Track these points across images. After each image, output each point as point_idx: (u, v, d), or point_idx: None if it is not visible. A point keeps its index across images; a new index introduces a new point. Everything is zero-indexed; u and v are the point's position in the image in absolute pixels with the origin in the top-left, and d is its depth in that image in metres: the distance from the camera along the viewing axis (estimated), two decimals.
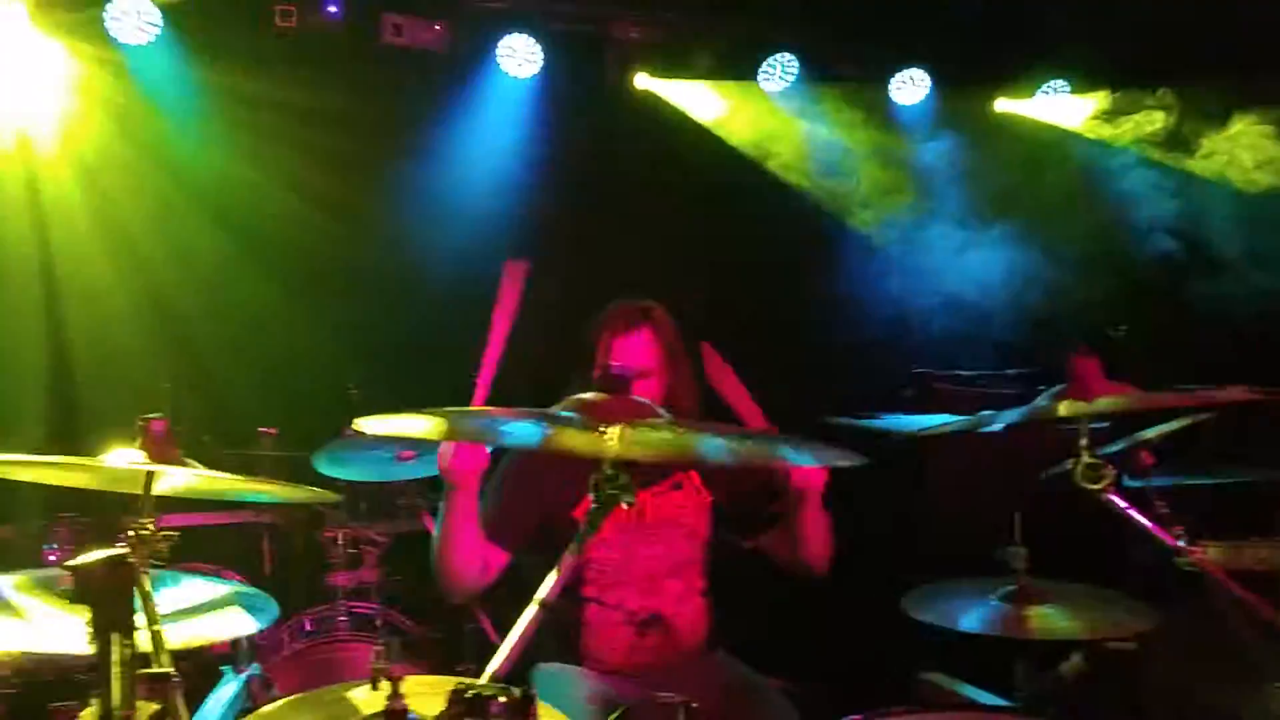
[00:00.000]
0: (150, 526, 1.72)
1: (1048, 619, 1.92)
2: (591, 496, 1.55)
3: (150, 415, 1.76)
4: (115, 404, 3.51)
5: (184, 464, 1.76)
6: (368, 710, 1.65)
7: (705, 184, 4.39)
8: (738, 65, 4.36)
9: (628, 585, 2.50)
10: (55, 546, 3.33)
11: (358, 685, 1.75)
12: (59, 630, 2.00)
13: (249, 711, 2.54)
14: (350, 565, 3.41)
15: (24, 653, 2.10)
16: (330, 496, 1.86)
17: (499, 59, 4.20)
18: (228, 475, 1.80)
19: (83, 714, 1.35)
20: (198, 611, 2.04)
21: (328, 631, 3.27)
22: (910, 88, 4.52)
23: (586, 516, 1.56)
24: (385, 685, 1.65)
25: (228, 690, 2.58)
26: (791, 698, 2.42)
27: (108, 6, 3.83)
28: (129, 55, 3.91)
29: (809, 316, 4.42)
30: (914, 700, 2.34)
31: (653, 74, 4.37)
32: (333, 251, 4.00)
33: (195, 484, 1.81)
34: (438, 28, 4.14)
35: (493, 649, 1.48)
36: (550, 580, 1.46)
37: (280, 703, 1.69)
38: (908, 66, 4.48)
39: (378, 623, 3.36)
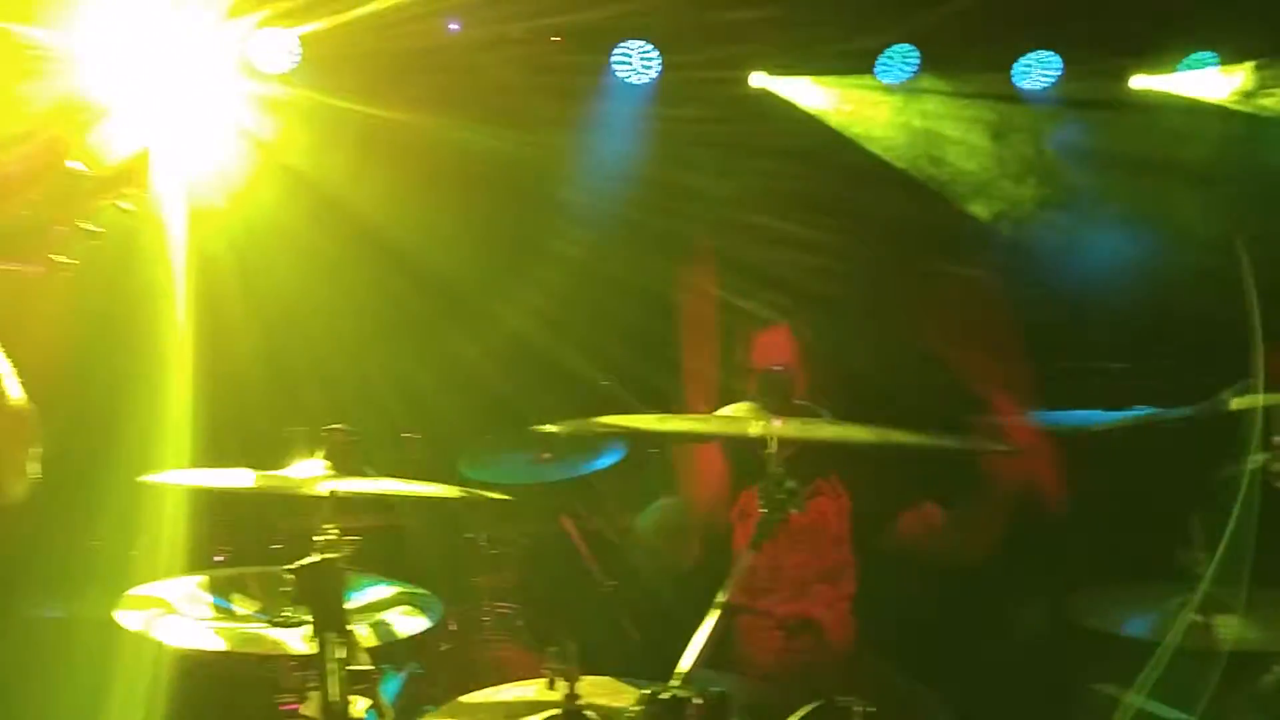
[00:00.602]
0: (336, 531, 1.82)
1: (1238, 628, 1.82)
2: (760, 504, 1.56)
3: (333, 426, 1.86)
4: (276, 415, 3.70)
5: (365, 473, 1.86)
6: (546, 709, 1.71)
7: (825, 182, 4.34)
8: (855, 59, 4.30)
9: (775, 592, 2.52)
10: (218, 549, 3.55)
11: (532, 683, 1.81)
12: (247, 628, 2.14)
13: (411, 709, 2.66)
14: (492, 566, 3.50)
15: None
16: (494, 495, 1.92)
17: (614, 66, 4.26)
18: (408, 482, 1.88)
19: (303, 707, 1.45)
20: (375, 610, 2.16)
21: (472, 631, 3.37)
22: (1038, 71, 4.36)
23: (758, 525, 1.57)
24: (562, 684, 1.70)
25: (389, 688, 2.69)
26: (946, 705, 2.38)
27: (252, 37, 4.05)
28: (271, 84, 4.12)
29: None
30: (1085, 713, 2.25)
31: (771, 72, 4.35)
32: (476, 261, 4.12)
33: (374, 490, 1.91)
34: (556, 40, 4.23)
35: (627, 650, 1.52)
36: (729, 583, 1.49)
37: (462, 699, 1.77)
38: (1035, 50, 4.32)
39: (519, 623, 3.45)
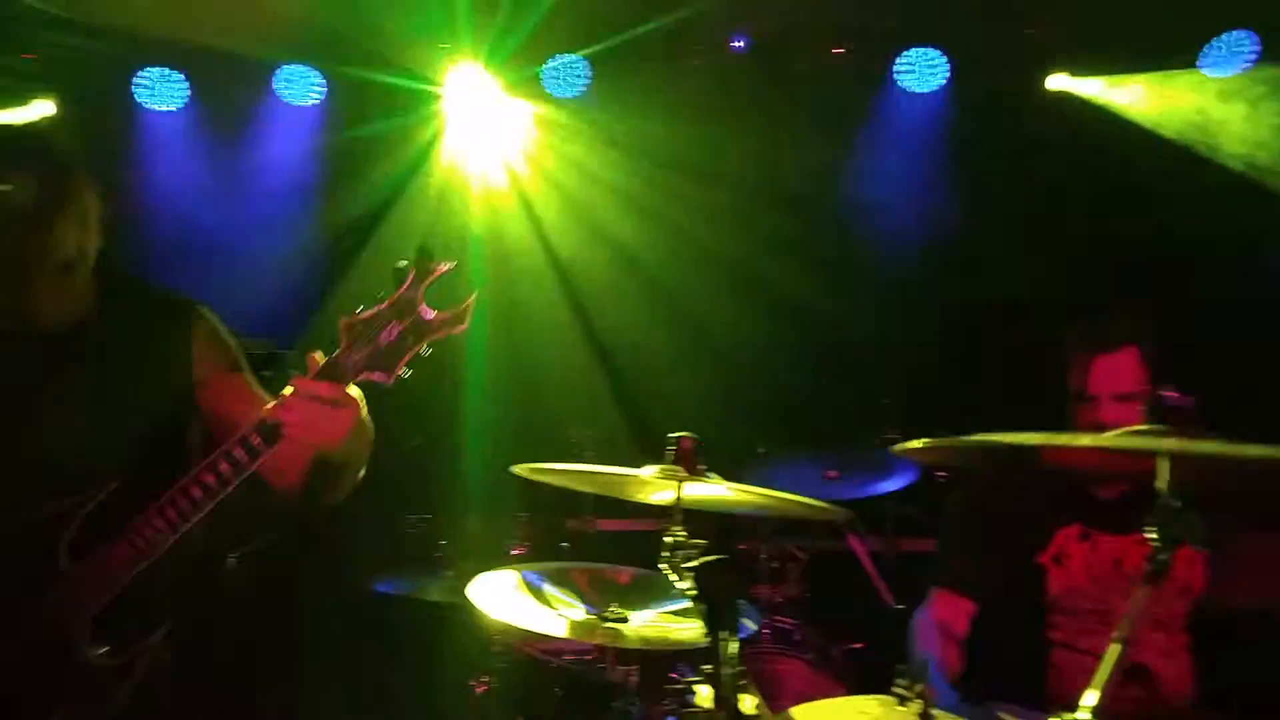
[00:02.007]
0: (683, 534, 1.87)
1: None
2: (1154, 536, 1.45)
3: (681, 434, 1.93)
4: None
5: (711, 479, 1.91)
6: None
7: (1132, 183, 4.01)
8: (1173, 52, 3.94)
9: (1104, 634, 2.34)
10: (516, 542, 3.80)
11: (877, 699, 1.78)
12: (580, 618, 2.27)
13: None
14: (773, 579, 3.49)
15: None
16: (843, 514, 1.91)
17: (896, 75, 4.18)
18: (750, 488, 1.91)
19: (698, 698, 1.52)
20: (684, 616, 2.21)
21: (754, 643, 3.37)
22: None
23: (1148, 560, 1.46)
24: (915, 704, 1.66)
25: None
26: None
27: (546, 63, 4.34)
28: (560, 106, 4.39)
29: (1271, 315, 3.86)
30: None
31: (1072, 73, 4.08)
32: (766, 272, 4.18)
33: (717, 496, 1.95)
34: (838, 51, 4.21)
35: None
36: (1129, 618, 1.39)
37: (794, 710, 1.77)
38: None
39: (797, 638, 3.42)
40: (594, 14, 4.11)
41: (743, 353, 4.25)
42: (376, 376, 1.49)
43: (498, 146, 4.34)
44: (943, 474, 3.43)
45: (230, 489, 1.53)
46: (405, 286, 1.47)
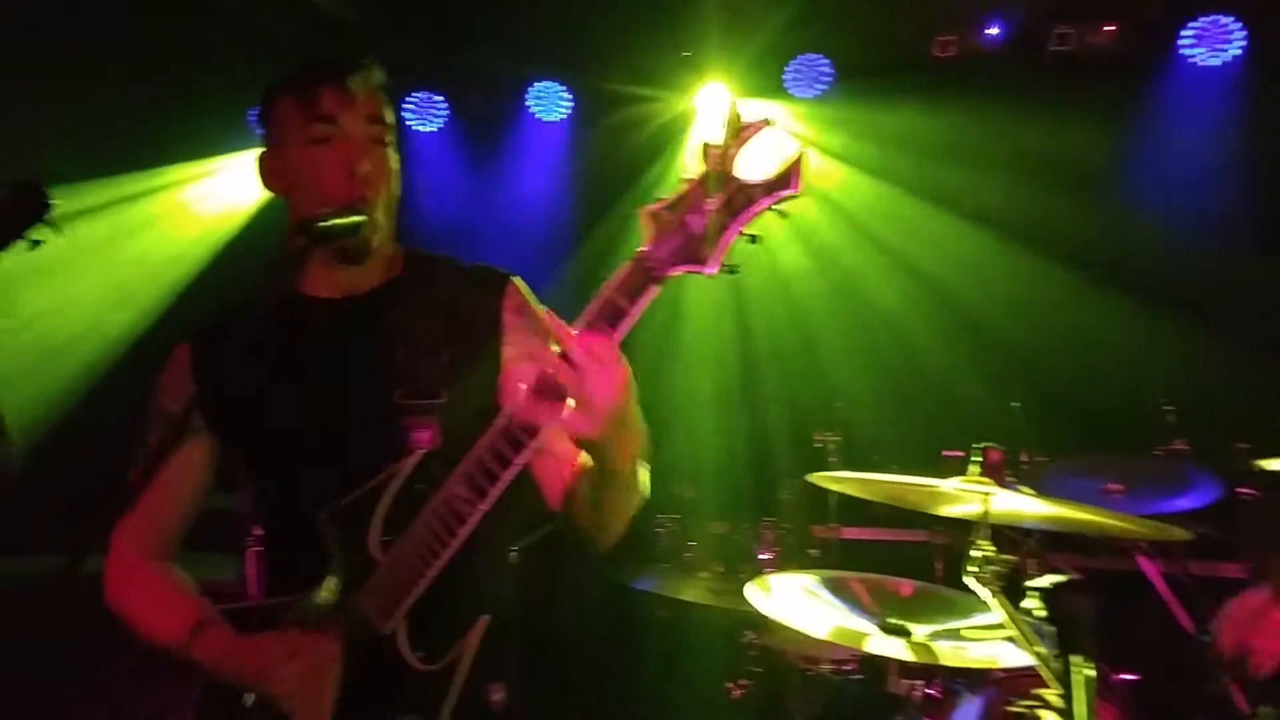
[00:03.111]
0: (990, 548, 1.79)
1: None
2: None
3: (987, 444, 1.84)
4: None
5: (1020, 490, 1.81)
6: None
7: None
8: None
9: None
10: (762, 548, 3.79)
11: None
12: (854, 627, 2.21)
13: None
14: None
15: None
16: (1180, 535, 1.74)
17: (1181, 50, 3.80)
18: (1073, 505, 1.79)
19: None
20: (985, 632, 2.10)
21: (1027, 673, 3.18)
22: None
23: None
24: None
25: (971, 708, 2.62)
26: None
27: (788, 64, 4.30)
28: (803, 106, 4.33)
29: None
30: None
31: None
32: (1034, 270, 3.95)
33: (1029, 511, 1.85)
34: (1109, 29, 3.89)
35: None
36: None
37: None
38: None
39: None
40: (838, 10, 4.04)
41: (994, 354, 4.02)
42: (693, 267, 1.21)
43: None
44: (1249, 491, 3.07)
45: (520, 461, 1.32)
46: (714, 157, 1.20)
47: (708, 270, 1.20)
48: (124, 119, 4.40)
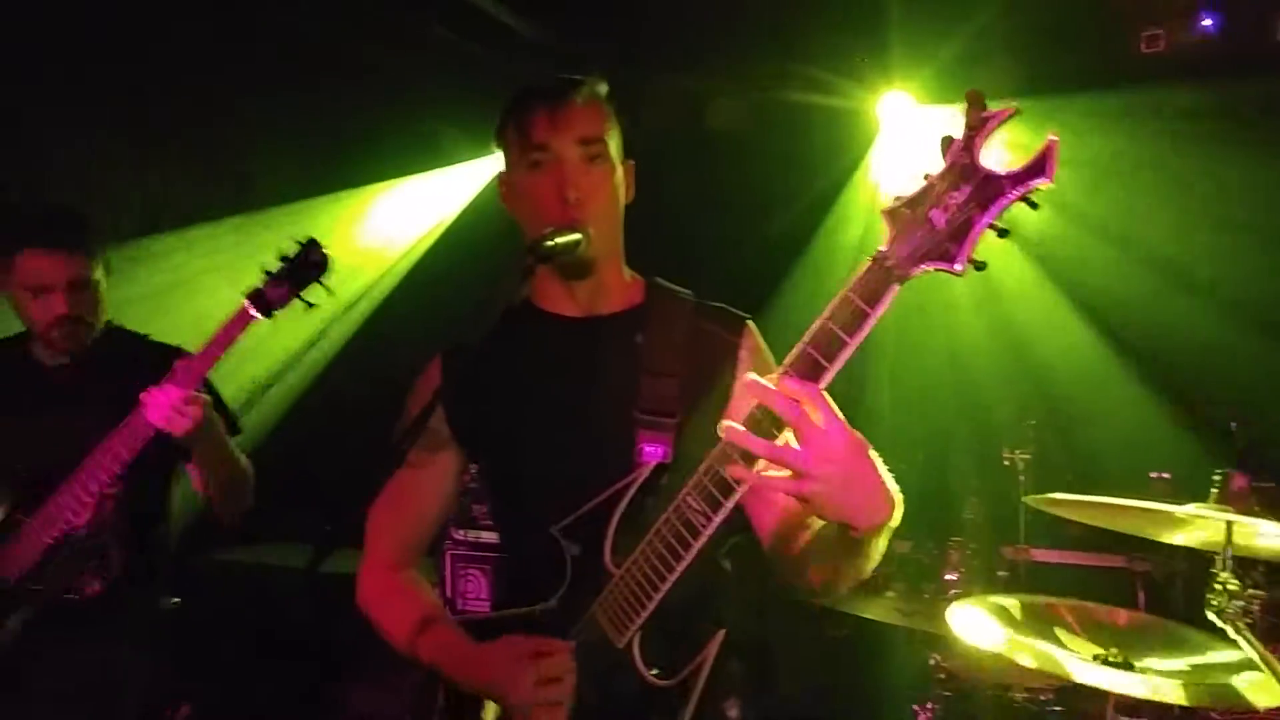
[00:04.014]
0: (1234, 582, 1.67)
1: None
2: None
3: (1229, 470, 1.72)
4: None
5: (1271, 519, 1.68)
6: None
7: None
8: None
9: None
10: (947, 568, 3.66)
11: None
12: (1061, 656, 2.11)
13: None
14: (1273, 638, 3.01)
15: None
16: None
17: None
18: None
19: None
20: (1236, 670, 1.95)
21: None
22: None
23: None
24: None
25: None
26: None
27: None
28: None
29: None
30: None
31: None
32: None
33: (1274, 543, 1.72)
34: None
35: None
36: None
37: None
38: None
39: None
40: (1029, 11, 3.86)
41: (1186, 374, 3.74)
42: (940, 265, 1.16)
43: (925, 158, 4.24)
44: None
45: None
46: (957, 149, 1.15)
47: (955, 267, 1.16)
48: (333, 138, 4.79)
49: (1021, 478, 3.70)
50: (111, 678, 2.33)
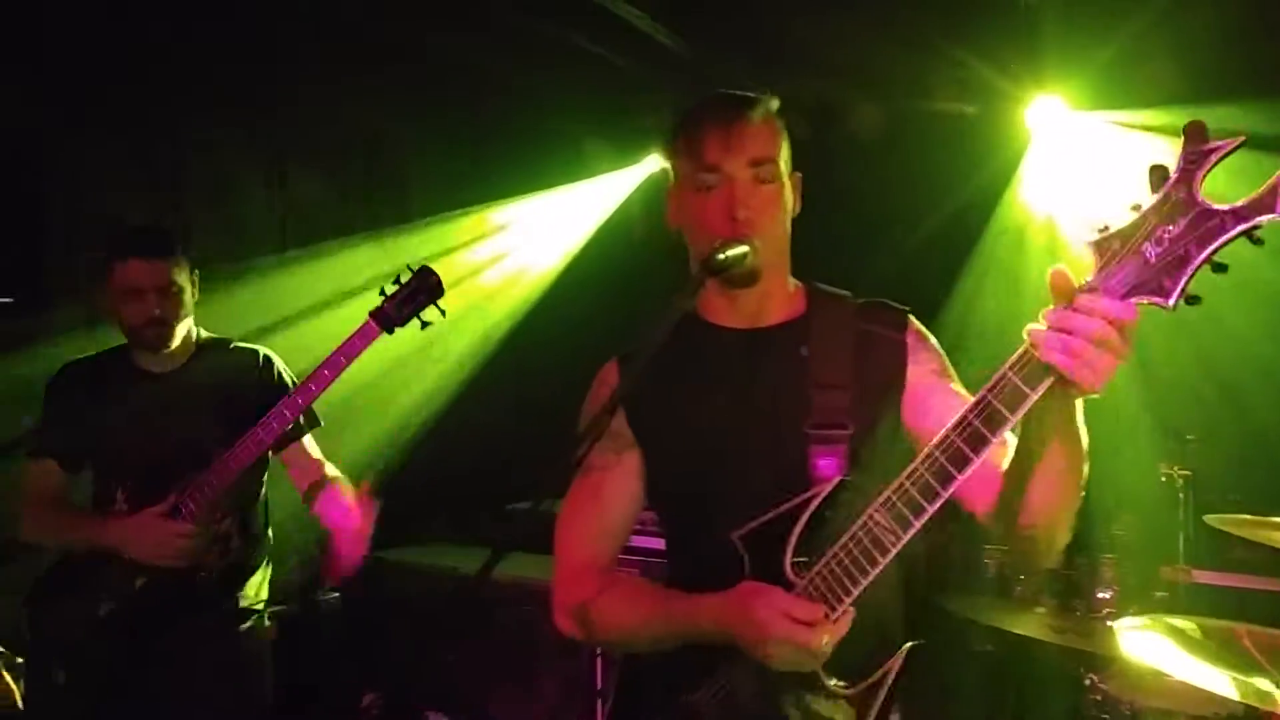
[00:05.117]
0: None
1: None
2: None
3: None
4: None
5: None
6: None
7: None
8: None
9: None
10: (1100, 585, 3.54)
11: None
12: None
13: None
14: None
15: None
16: None
17: None
18: None
19: None
20: None
21: None
22: None
23: None
24: None
25: None
26: None
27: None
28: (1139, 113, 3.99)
29: None
30: None
31: None
32: None
33: None
34: None
35: None
36: None
37: None
38: None
39: None
40: (1194, 9, 3.68)
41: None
42: (1152, 299, 1.17)
43: (1079, 165, 4.11)
44: None
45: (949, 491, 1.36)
46: (1170, 182, 1.15)
47: (1168, 302, 1.17)
48: (477, 154, 4.99)
49: (1180, 495, 3.56)
50: (250, 653, 2.68)
